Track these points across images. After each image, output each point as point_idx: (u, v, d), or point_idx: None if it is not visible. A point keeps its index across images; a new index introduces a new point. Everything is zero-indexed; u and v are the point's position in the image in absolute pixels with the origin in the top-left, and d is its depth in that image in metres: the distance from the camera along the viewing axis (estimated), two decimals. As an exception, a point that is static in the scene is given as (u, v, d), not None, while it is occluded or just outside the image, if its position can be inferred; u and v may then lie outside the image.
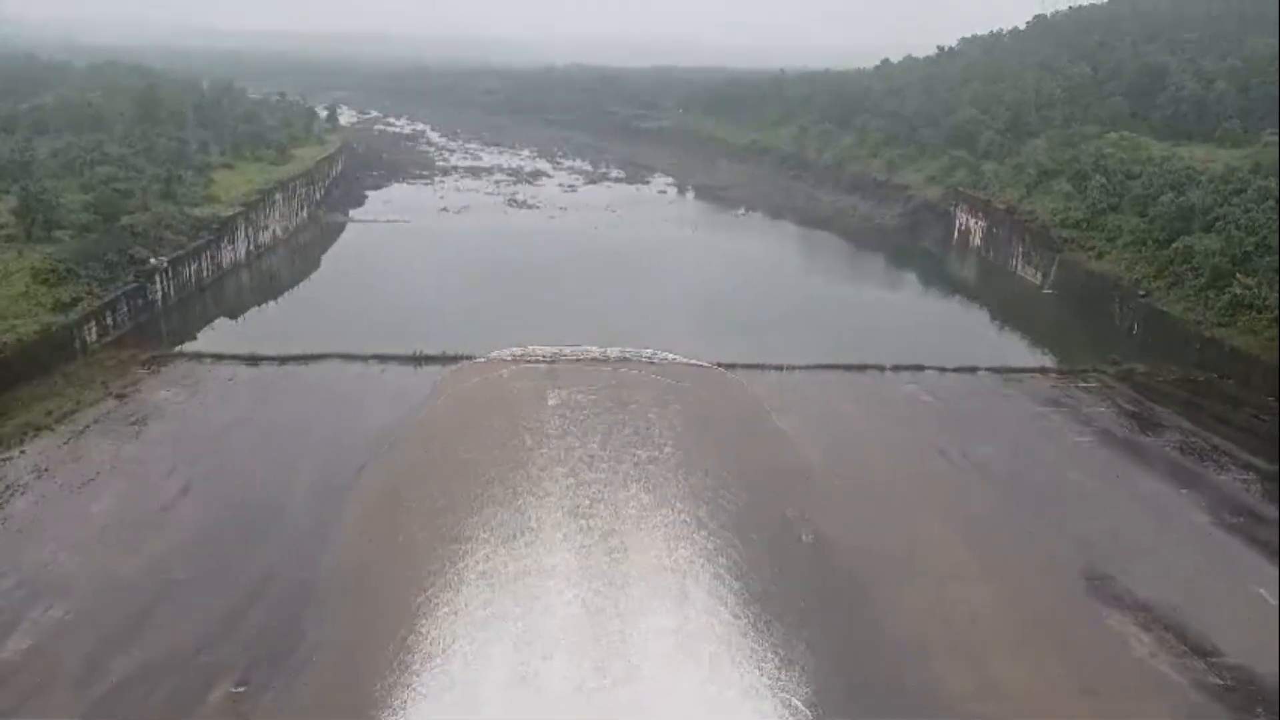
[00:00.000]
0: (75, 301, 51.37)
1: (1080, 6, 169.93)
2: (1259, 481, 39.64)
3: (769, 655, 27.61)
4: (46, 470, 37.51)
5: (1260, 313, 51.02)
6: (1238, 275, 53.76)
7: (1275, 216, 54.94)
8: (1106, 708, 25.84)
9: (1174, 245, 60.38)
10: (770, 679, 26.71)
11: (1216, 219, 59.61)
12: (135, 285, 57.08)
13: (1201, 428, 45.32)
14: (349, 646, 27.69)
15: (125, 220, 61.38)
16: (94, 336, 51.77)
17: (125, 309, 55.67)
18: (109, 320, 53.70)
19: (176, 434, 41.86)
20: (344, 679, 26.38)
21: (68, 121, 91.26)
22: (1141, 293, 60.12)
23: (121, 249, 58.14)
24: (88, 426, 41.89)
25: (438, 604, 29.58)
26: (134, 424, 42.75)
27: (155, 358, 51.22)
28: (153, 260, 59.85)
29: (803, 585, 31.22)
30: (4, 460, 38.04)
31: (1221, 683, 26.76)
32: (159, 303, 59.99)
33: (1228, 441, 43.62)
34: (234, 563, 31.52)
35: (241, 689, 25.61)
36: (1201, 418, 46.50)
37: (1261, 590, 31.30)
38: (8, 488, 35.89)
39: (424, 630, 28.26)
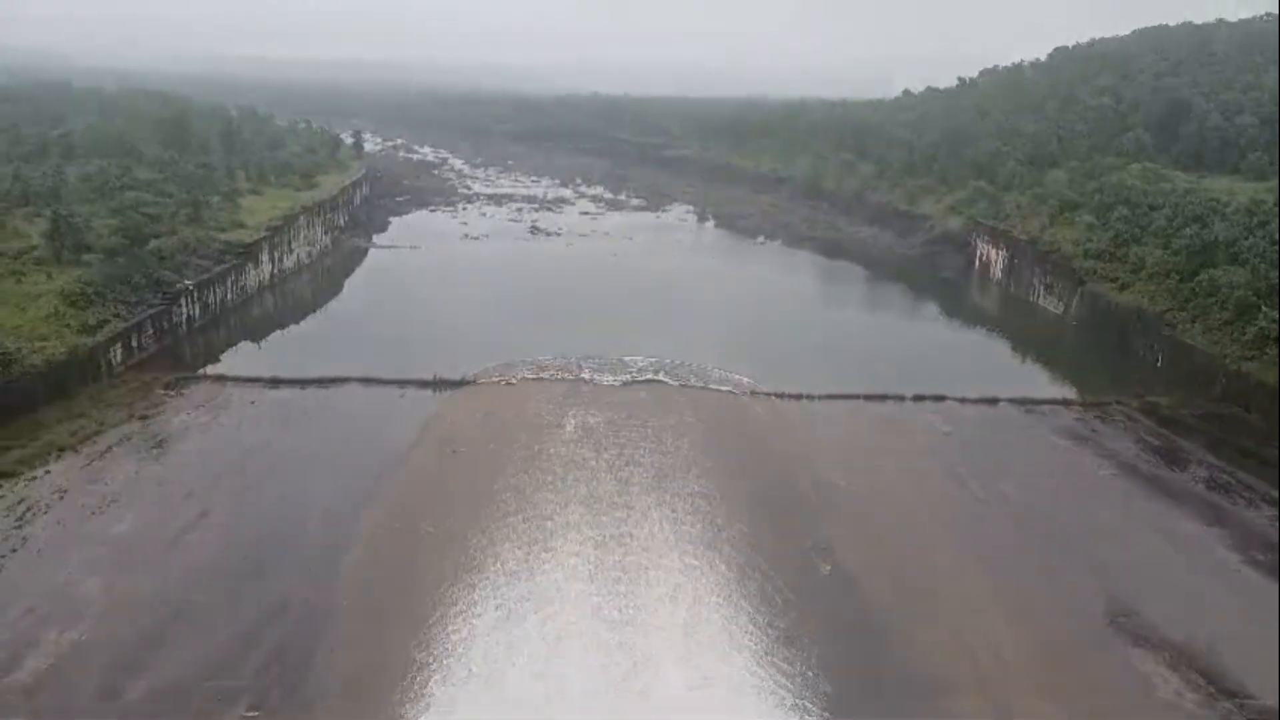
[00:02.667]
0: (102, 324, 52.03)
1: (1101, 39, 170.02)
2: (1287, 518, 38.99)
3: (786, 687, 27.28)
4: (68, 491, 37.83)
5: (1287, 346, 50.38)
6: (1263, 308, 53.18)
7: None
8: (1132, 749, 25.34)
9: (1198, 278, 59.88)
10: (786, 711, 26.36)
11: (1241, 252, 59.11)
12: (161, 308, 57.78)
13: (1227, 462, 44.67)
14: (361, 672, 27.59)
15: (153, 244, 62.26)
16: (119, 358, 52.37)
17: (151, 331, 56.35)
18: (134, 342, 54.34)
19: (197, 456, 42.14)
20: (356, 705, 26.27)
21: (97, 147, 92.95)
22: (1166, 325, 59.55)
23: (148, 272, 58.96)
24: (110, 448, 42.26)
25: (449, 631, 29.48)
26: (156, 446, 43.10)
27: (179, 380, 51.72)
28: (179, 284, 60.60)
29: (821, 617, 30.89)
30: (27, 481, 38.41)
31: (1250, 725, 26.20)
32: (184, 325, 60.69)
33: (1254, 477, 42.97)
34: (250, 586, 31.58)
35: (254, 714, 25.56)
36: (1227, 452, 45.85)
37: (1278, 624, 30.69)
38: (30, 508, 36.20)
39: (435, 658, 28.15)
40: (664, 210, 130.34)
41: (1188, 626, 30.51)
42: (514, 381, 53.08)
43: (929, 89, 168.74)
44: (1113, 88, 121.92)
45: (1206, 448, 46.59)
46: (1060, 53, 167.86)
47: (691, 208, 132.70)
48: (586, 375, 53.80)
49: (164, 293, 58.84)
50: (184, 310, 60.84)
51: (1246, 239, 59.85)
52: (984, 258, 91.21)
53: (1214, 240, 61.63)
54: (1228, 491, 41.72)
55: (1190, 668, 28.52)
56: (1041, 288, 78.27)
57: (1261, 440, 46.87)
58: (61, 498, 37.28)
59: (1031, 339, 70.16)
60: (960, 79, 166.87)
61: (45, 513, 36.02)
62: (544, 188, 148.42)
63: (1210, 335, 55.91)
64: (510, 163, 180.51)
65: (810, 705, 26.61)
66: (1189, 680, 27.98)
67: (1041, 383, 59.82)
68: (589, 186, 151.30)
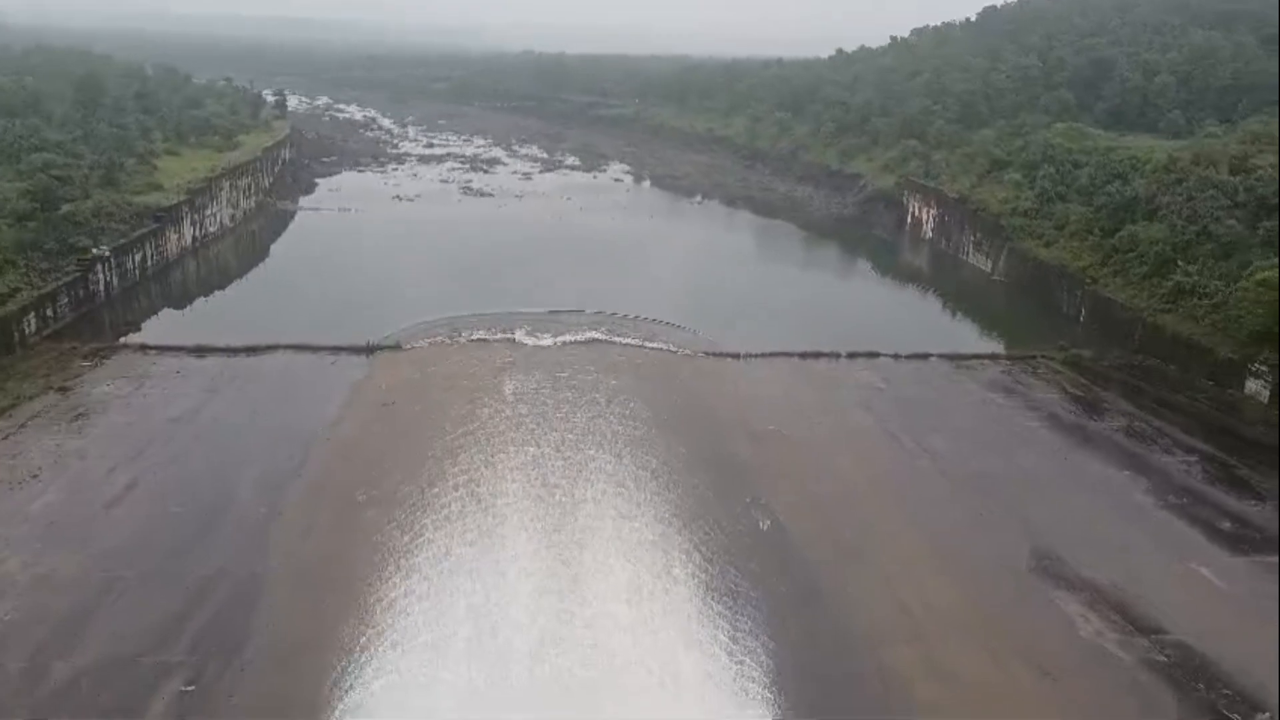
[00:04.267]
0: (14, 292, 49.84)
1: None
2: (1200, 463, 40.81)
3: (724, 641, 27.76)
4: (-16, 467, 36.36)
5: (1200, 299, 52.37)
6: (1179, 262, 55.14)
7: (1215, 206, 56.25)
8: (1055, 687, 26.42)
9: (1119, 234, 61.77)
10: (726, 664, 26.86)
11: (1158, 208, 61.05)
12: (76, 275, 55.50)
13: (1145, 411, 46.54)
14: (299, 642, 27.20)
15: (65, 209, 59.58)
16: (33, 328, 50.26)
17: (66, 300, 54.13)
18: (49, 311, 52.16)
19: (121, 428, 40.80)
20: (294, 675, 25.92)
21: (3, 106, 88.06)
22: (1088, 280, 61.41)
23: (62, 238, 56.56)
24: (28, 421, 40.67)
25: (385, 597, 29.24)
26: (76, 419, 41.60)
27: (98, 350, 49.87)
28: (95, 250, 58.24)
29: (759, 572, 31.42)
30: (-61, 457, 36.79)
31: (1166, 659, 27.53)
32: (101, 293, 58.43)
33: (1170, 425, 44.85)
34: (181, 559, 30.83)
35: (190, 688, 25.09)
36: (1145, 401, 47.77)
37: (1203, 569, 32.23)
38: (-57, 485, 34.72)
39: (375, 624, 27.90)
40: (600, 170, 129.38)
41: (1107, 569, 31.84)
42: (449, 344, 52.46)
43: (862, 48, 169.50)
44: (1038, 47, 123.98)
45: (1125, 397, 48.43)
46: (989, 12, 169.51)
47: (628, 168, 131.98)
48: (522, 337, 53.41)
49: (79, 259, 56.49)
50: (101, 277, 58.53)
51: (1164, 194, 61.74)
52: (915, 216, 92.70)
53: (1134, 197, 63.51)
54: (1145, 439, 43.48)
55: (1110, 608, 29.81)
56: (971, 245, 79.93)
57: (1176, 388, 48.92)
58: (-23, 474, 35.84)
59: (961, 296, 71.77)
60: (892, 38, 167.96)
61: (-40, 490, 34.59)
62: (477, 148, 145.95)
63: (1129, 289, 57.88)
64: (442, 122, 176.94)
65: (747, 656, 27.12)
66: (1109, 620, 29.25)
67: (971, 338, 61.37)
68: (523, 146, 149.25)
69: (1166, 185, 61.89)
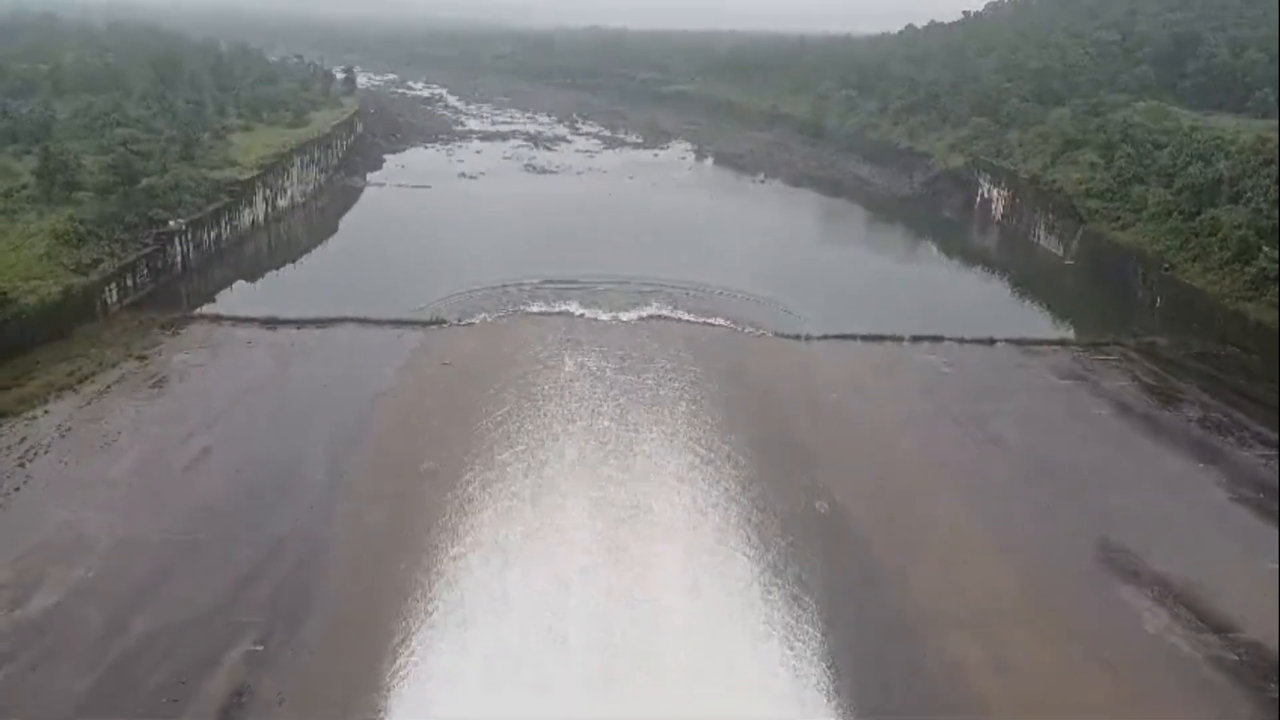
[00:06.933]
0: (96, 263, 51.67)
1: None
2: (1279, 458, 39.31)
3: (783, 625, 27.75)
4: (69, 430, 37.96)
5: (1287, 287, 50.25)
6: (1264, 248, 52.90)
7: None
8: (1119, 681, 25.89)
9: (1200, 217, 59.46)
10: (783, 650, 26.84)
11: (1244, 191, 58.59)
12: (155, 247, 57.34)
13: (1222, 402, 44.90)
14: (360, 607, 28.02)
15: (144, 182, 61.45)
16: (114, 298, 52.14)
17: (145, 271, 55.99)
18: (129, 282, 54.03)
19: (196, 396, 42.23)
20: (359, 636, 26.72)
21: (86, 83, 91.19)
22: (1165, 265, 59.34)
23: (141, 211, 58.35)
24: (109, 387, 42.32)
25: (446, 565, 29.86)
26: (154, 386, 43.17)
27: (175, 320, 51.55)
28: (172, 223, 60.06)
29: (818, 555, 31.28)
30: (28, 420, 38.50)
31: (1236, 658, 26.74)
32: (178, 265, 60.29)
33: (1249, 416, 43.22)
34: (252, 523, 31.92)
35: (260, 647, 26.03)
36: (1223, 392, 46.06)
37: (1277, 565, 31.15)
38: (31, 448, 36.35)
39: (439, 589, 28.57)
40: (662, 148, 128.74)
41: (1177, 563, 30.97)
42: (511, 317, 53.02)
43: (933, 23, 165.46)
44: (1119, 22, 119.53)
45: (1202, 388, 46.79)
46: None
47: (690, 145, 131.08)
48: (584, 312, 53.72)
49: (158, 232, 58.35)
50: (178, 249, 60.38)
51: (1249, 178, 59.23)
52: (985, 196, 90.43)
53: (1217, 179, 61.01)
54: (1221, 431, 42.02)
55: (1179, 602, 29.03)
56: (1042, 227, 77.75)
57: (1257, 379, 47.07)
58: (63, 437, 37.43)
59: (1031, 279, 69.88)
60: (965, 13, 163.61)
61: (47, 452, 36.20)
62: (541, 125, 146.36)
63: (1209, 275, 55.71)
64: (506, 99, 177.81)
65: (804, 642, 27.06)
66: (1177, 615, 28.51)
67: (1040, 323, 59.83)
68: (586, 123, 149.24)
69: (1253, 167, 59.35)
